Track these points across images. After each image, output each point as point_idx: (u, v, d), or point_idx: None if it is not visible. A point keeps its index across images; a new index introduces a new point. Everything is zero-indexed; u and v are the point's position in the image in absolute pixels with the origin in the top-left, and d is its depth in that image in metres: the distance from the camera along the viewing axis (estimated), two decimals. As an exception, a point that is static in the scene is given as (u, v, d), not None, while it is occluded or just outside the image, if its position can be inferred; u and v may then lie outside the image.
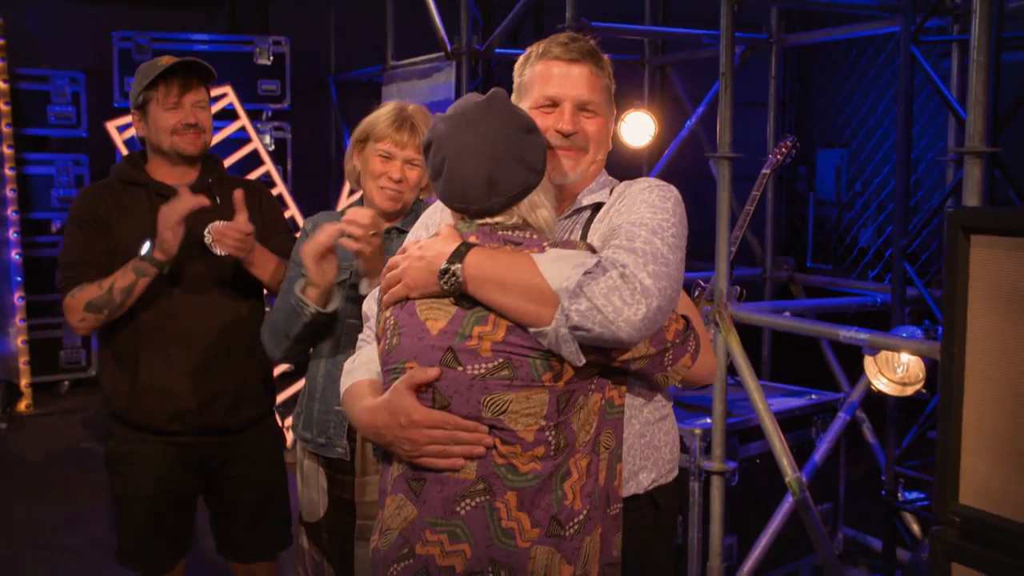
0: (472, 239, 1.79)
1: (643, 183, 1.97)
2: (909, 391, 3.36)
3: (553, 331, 1.69)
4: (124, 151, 6.92)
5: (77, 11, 7.53)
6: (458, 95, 5.32)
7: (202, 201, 2.66)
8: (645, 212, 1.85)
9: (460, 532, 1.73)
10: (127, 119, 6.99)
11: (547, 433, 1.73)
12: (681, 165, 5.31)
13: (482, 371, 1.72)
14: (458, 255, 1.75)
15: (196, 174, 2.85)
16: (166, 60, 2.75)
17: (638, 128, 5.14)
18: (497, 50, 5.33)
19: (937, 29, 3.99)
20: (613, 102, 2.07)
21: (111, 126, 6.93)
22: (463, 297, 1.76)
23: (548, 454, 1.73)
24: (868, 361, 3.40)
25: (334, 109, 7.56)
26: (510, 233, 1.81)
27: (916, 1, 3.56)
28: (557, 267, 1.71)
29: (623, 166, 4.76)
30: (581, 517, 1.76)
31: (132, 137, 6.95)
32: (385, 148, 2.53)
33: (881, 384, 3.37)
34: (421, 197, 2.65)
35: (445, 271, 1.75)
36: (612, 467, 1.83)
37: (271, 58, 7.33)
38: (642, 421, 1.97)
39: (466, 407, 1.73)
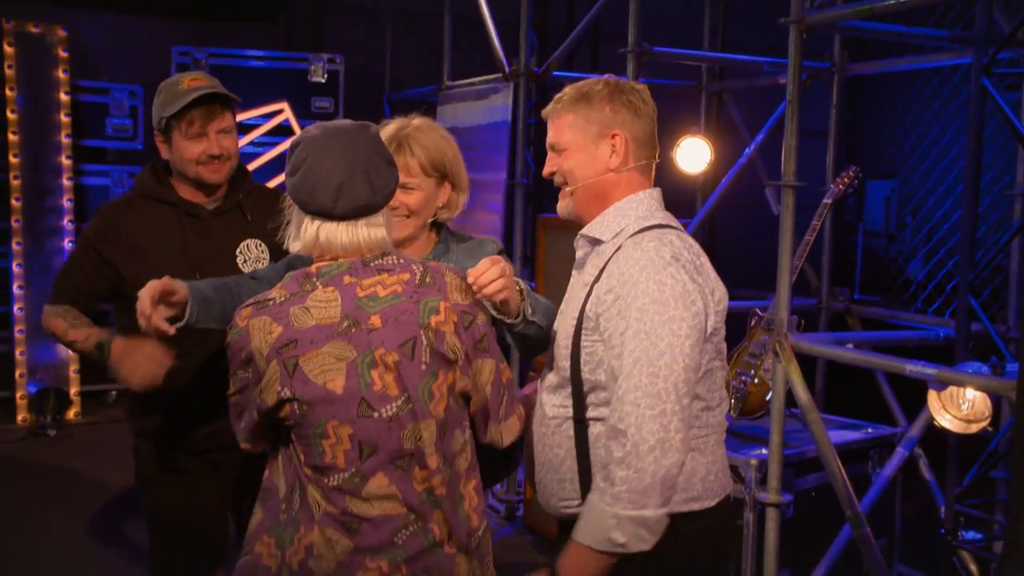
0: (346, 279, 1.95)
1: (638, 285, 2.00)
2: (974, 428, 3.28)
3: None
4: (179, 164, 7.00)
5: (138, 26, 7.65)
6: (515, 117, 5.33)
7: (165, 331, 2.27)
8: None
9: (400, 557, 1.93)
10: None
11: (438, 459, 1.96)
12: (736, 193, 5.26)
13: (393, 411, 1.92)
14: None
15: (223, 192, 2.78)
16: (188, 82, 2.66)
17: (694, 154, 5.10)
18: (555, 72, 5.33)
19: (1008, 61, 3.92)
20: (595, 128, 2.16)
21: (167, 139, 7.03)
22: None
23: (444, 479, 1.97)
24: (932, 396, 3.33)
25: (387, 127, 7.60)
26: (381, 261, 1.99)
27: (989, 33, 3.51)
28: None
29: (679, 191, 4.74)
30: (480, 532, 2.02)
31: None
32: None
33: (945, 421, 3.30)
34: (440, 218, 2.44)
35: None
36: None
37: (325, 75, 7.38)
38: None
39: (390, 446, 1.92)
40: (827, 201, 4.07)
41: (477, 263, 2.07)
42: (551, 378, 2.18)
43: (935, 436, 3.78)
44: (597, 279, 2.08)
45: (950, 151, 5.36)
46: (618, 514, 1.93)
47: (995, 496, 3.95)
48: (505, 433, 2.10)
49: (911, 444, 3.83)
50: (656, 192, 2.20)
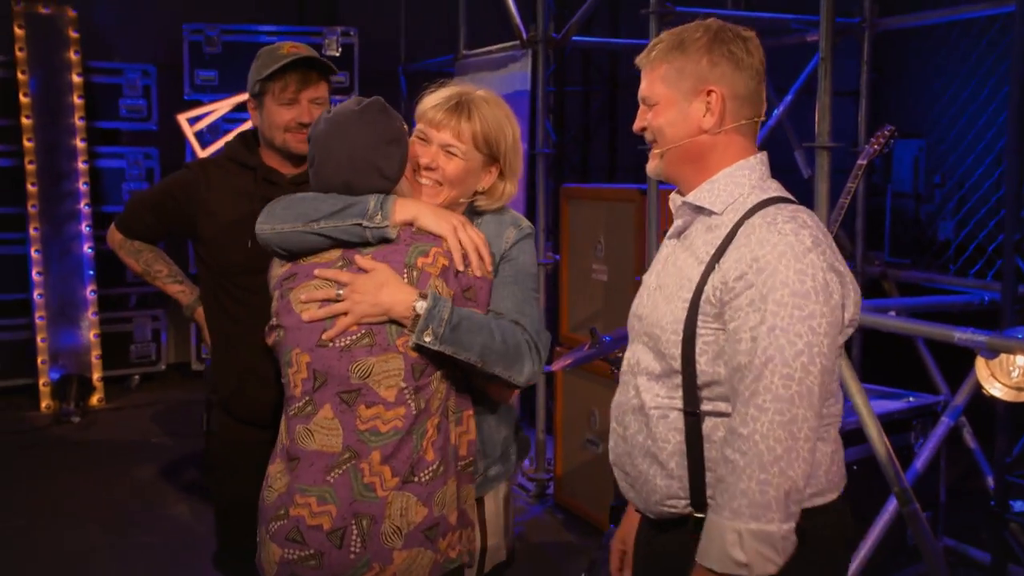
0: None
1: (776, 259, 1.77)
2: (1025, 396, 3.13)
3: None
4: (195, 144, 6.92)
5: (148, 4, 7.52)
6: (534, 85, 5.17)
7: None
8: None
9: (328, 496, 1.99)
10: (197, 111, 6.99)
11: (407, 395, 2.00)
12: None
13: (348, 342, 2.01)
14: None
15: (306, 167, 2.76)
16: (288, 48, 2.63)
17: (720, 117, 4.93)
18: (574, 38, 5.16)
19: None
20: (690, 82, 1.90)
21: (182, 119, 6.93)
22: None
23: (409, 413, 2.00)
24: (980, 364, 3.19)
25: (403, 100, 7.46)
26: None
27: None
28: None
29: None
30: (434, 467, 2.02)
31: (203, 130, 6.95)
32: (422, 128, 2.21)
33: (995, 389, 3.15)
34: (478, 204, 2.27)
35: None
36: (459, 430, 2.11)
37: (339, 49, 7.26)
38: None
39: (339, 377, 2.00)
40: (862, 162, 3.90)
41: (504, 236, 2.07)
42: (651, 364, 1.94)
43: (978, 404, 3.64)
44: (717, 258, 1.84)
45: (988, 108, 5.16)
46: (739, 528, 1.73)
47: (1046, 465, 3.81)
48: (498, 394, 2.19)
49: (956, 413, 3.69)
50: (764, 157, 1.96)
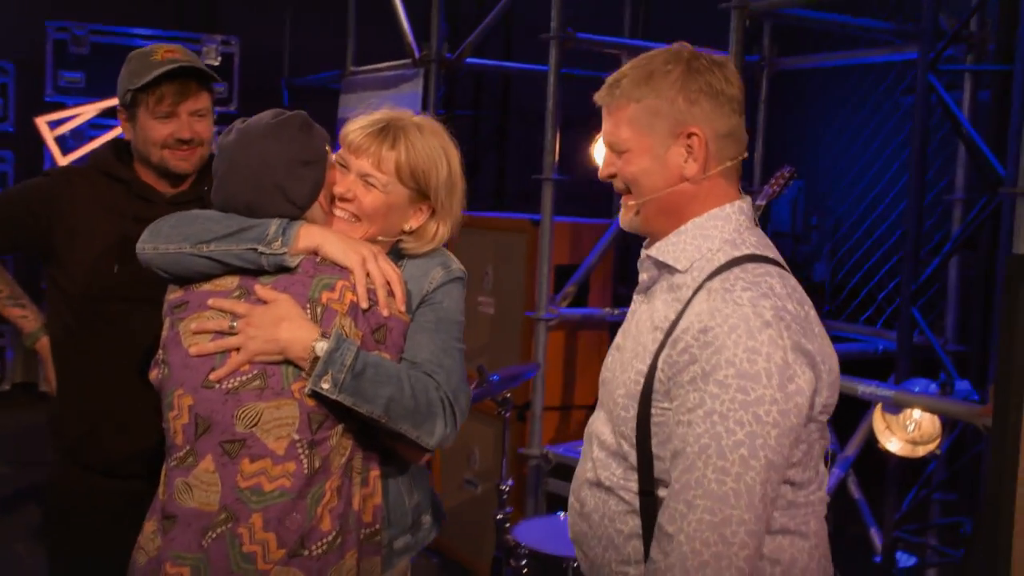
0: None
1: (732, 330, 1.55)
2: (921, 451, 3.07)
3: None
4: (55, 149, 6.44)
5: (9, -4, 7.03)
6: (425, 106, 4.97)
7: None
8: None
9: (201, 566, 1.73)
10: (60, 114, 6.53)
11: (299, 449, 1.74)
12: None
13: (236, 384, 1.77)
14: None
15: (189, 182, 2.44)
16: (163, 54, 2.32)
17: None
18: (468, 60, 4.98)
19: (947, 58, 3.74)
20: (667, 124, 1.67)
21: (41, 121, 6.46)
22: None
23: (300, 471, 1.74)
24: (877, 417, 3.10)
25: (285, 115, 7.16)
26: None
27: (936, 28, 3.31)
28: None
29: (599, 189, 4.45)
30: (329, 538, 1.76)
31: (64, 134, 6.48)
32: (342, 154, 1.96)
33: (891, 443, 3.07)
34: (404, 246, 1.99)
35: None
36: (364, 492, 1.85)
37: (219, 58, 6.91)
38: None
39: (223, 423, 1.75)
40: (760, 203, 3.81)
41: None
42: (607, 437, 1.73)
43: (864, 455, 3.58)
44: (673, 326, 1.62)
45: (869, 149, 5.20)
46: None
47: (929, 521, 3.77)
48: (407, 453, 1.92)
49: (847, 465, 3.61)
50: (745, 204, 1.71)
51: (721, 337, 1.53)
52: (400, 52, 5.13)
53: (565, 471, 3.89)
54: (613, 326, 4.24)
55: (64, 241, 2.37)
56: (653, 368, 1.62)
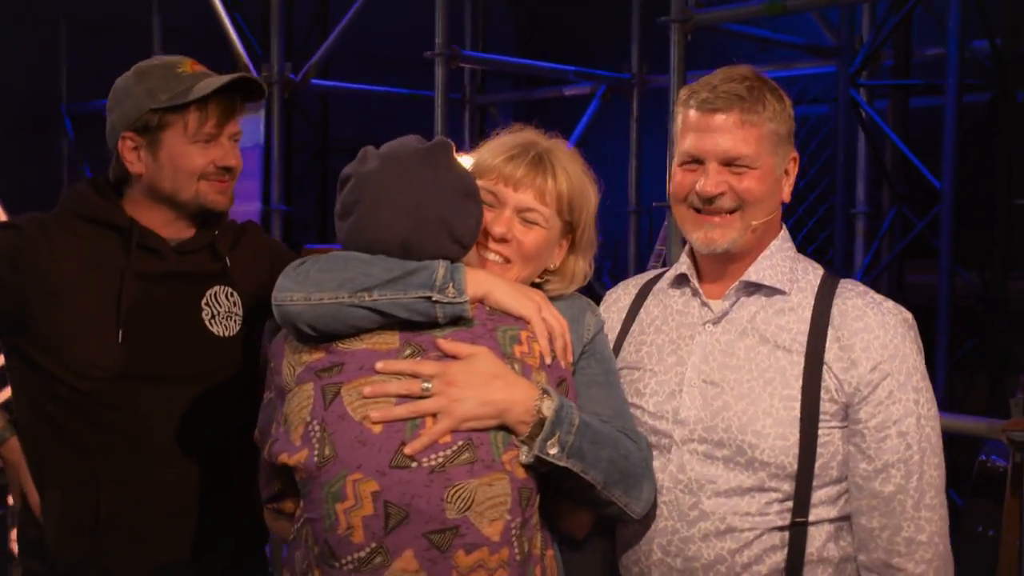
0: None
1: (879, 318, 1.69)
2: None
3: None
4: None
5: None
6: (268, 133, 4.58)
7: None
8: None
9: None
10: None
11: (512, 532, 1.51)
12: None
13: (440, 460, 1.49)
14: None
15: (196, 227, 2.01)
16: (191, 66, 1.93)
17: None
18: (313, 81, 4.62)
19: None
20: (785, 147, 1.74)
21: None
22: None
23: (513, 559, 1.50)
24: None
25: (70, 146, 6.39)
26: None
27: (853, 44, 3.39)
28: None
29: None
30: None
31: None
32: (489, 187, 1.71)
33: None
34: (551, 288, 1.77)
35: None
36: None
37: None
38: None
39: (428, 512, 1.47)
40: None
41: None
42: (733, 478, 1.66)
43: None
44: (819, 346, 1.65)
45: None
46: None
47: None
48: (578, 525, 1.69)
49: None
50: None
51: (898, 344, 1.66)
52: (232, 72, 4.67)
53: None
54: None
55: (43, 308, 1.88)
56: (812, 390, 1.64)
